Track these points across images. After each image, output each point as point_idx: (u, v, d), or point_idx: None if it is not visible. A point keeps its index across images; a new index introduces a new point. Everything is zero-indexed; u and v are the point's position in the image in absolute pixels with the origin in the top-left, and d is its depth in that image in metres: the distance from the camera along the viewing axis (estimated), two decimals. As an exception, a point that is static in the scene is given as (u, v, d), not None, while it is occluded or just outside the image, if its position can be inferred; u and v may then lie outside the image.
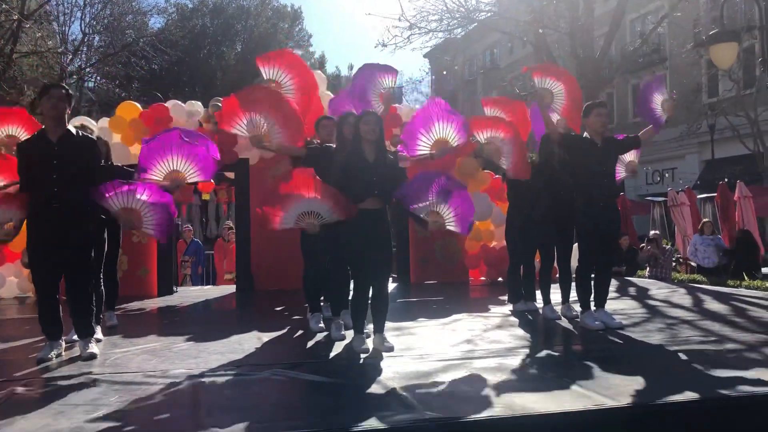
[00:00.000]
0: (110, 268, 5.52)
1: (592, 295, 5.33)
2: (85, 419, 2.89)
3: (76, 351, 4.43)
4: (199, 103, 9.34)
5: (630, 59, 17.71)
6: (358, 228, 4.39)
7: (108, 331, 5.38)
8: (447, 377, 3.73)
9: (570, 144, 5.39)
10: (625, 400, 3.02)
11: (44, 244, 4.23)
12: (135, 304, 7.60)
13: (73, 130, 4.42)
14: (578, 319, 5.49)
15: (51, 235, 4.22)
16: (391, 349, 4.35)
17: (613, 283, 5.45)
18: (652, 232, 12.57)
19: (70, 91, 4.48)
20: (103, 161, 4.82)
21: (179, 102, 9.35)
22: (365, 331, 4.52)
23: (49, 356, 4.24)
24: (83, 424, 2.82)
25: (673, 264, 12.35)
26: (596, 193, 5.18)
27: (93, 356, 4.28)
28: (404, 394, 3.24)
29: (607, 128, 5.39)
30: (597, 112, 5.24)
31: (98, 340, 4.78)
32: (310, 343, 4.86)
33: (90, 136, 4.65)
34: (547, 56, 14.29)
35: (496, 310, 6.44)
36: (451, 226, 4.50)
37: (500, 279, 9.26)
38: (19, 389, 3.50)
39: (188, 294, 9.13)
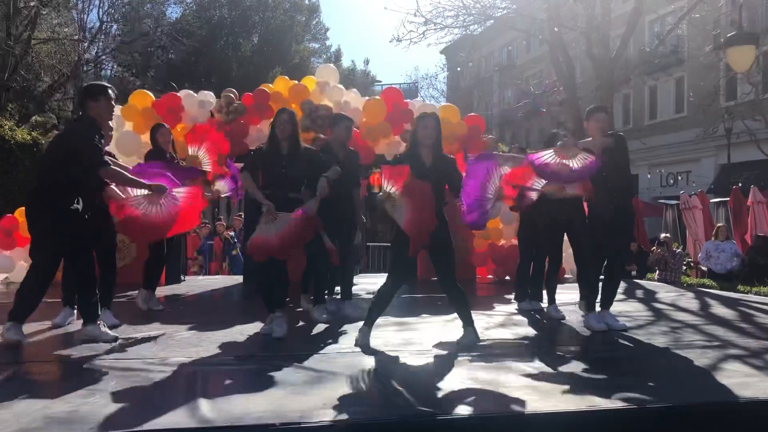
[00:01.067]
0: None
1: (598, 297, 5.30)
2: (81, 403, 2.91)
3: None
4: (211, 93, 9.37)
5: (647, 60, 17.56)
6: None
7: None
8: (444, 374, 3.73)
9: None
10: (620, 402, 3.00)
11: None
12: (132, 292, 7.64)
13: None
14: (564, 320, 5.61)
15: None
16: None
17: (621, 285, 5.41)
18: (662, 235, 12.47)
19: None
20: None
21: (191, 92, 9.38)
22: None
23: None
24: (78, 407, 2.84)
25: (683, 268, 12.25)
26: (607, 196, 5.12)
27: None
28: (400, 389, 3.24)
29: (607, 133, 5.28)
30: (596, 117, 5.20)
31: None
32: (311, 335, 4.87)
33: None
34: (563, 56, 14.20)
35: (500, 308, 6.42)
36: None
37: (507, 278, 9.24)
38: (20, 372, 3.53)
39: (196, 283, 9.18)
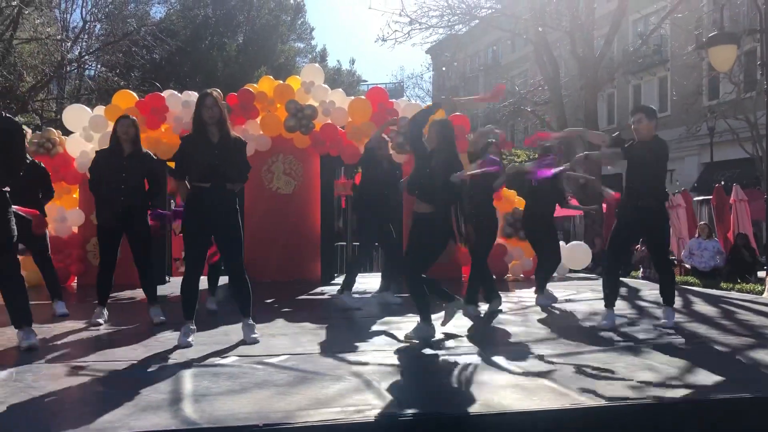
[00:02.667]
0: (44, 257, 5.92)
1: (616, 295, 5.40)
2: (68, 406, 2.90)
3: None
4: (196, 93, 9.30)
5: (631, 60, 17.68)
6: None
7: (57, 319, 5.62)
8: (429, 372, 3.74)
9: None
10: (602, 400, 3.03)
11: None
12: (126, 293, 7.61)
13: None
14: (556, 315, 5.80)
15: None
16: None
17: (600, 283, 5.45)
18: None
19: None
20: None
21: (175, 92, 9.33)
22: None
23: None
24: (61, 411, 2.82)
25: (667, 265, 12.32)
26: (627, 197, 5.18)
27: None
28: (384, 387, 3.25)
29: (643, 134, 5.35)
30: (633, 119, 5.25)
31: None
32: (295, 336, 4.87)
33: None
34: (547, 55, 14.28)
35: (486, 307, 6.43)
36: None
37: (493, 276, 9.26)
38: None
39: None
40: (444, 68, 34.45)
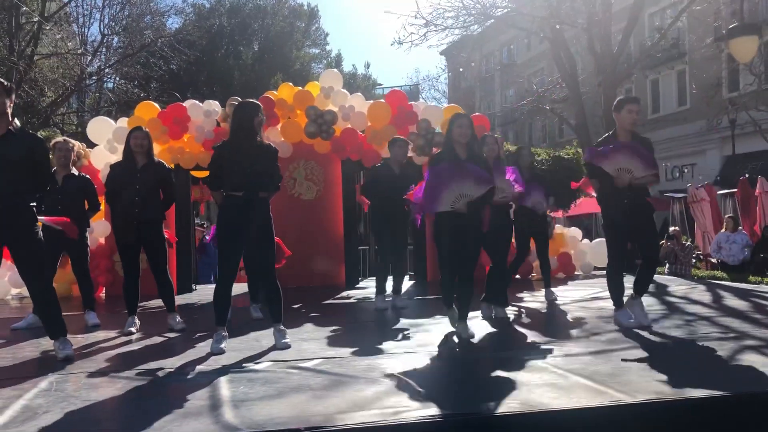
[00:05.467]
0: (82, 268, 6.04)
1: (625, 291, 5.29)
2: (105, 415, 2.93)
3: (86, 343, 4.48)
4: (217, 102, 9.41)
5: (648, 54, 17.51)
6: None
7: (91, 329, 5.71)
8: (462, 373, 3.75)
9: (597, 146, 5.35)
10: (641, 396, 3.01)
11: None
12: (154, 302, 7.68)
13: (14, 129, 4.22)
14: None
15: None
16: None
17: (631, 280, 5.40)
18: (671, 229, 12.46)
19: (6, 83, 4.20)
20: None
21: (197, 102, 9.42)
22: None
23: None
24: (103, 419, 2.86)
25: (693, 261, 12.23)
26: (621, 190, 5.09)
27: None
28: (419, 390, 3.25)
29: (638, 125, 5.31)
30: (628, 108, 5.13)
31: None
32: (326, 340, 4.89)
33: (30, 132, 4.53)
34: (564, 52, 14.21)
35: (513, 306, 6.42)
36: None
37: (518, 276, 9.24)
38: (36, 388, 3.55)
39: (207, 291, 9.20)
40: (461, 69, 34.41)
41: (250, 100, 4.86)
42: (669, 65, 23.62)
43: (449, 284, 5.02)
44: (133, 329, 5.45)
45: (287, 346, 4.50)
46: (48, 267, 4.63)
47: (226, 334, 4.62)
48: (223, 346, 4.45)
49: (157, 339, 5.18)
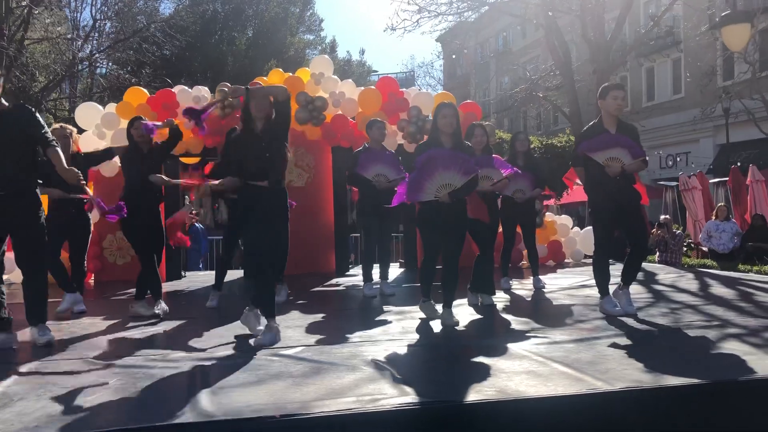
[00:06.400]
0: (82, 256, 6.06)
1: (611, 278, 5.29)
2: (83, 400, 2.92)
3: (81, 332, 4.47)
4: (206, 88, 9.34)
5: (642, 42, 17.44)
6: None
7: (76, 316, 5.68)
8: (442, 361, 3.75)
9: (582, 137, 5.34)
10: (619, 384, 3.01)
11: None
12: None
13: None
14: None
15: None
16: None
17: (618, 268, 5.40)
18: (662, 217, 12.48)
19: None
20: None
21: (186, 87, 9.35)
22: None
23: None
24: (81, 404, 2.85)
25: (684, 249, 12.26)
26: (607, 177, 5.07)
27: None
28: (399, 377, 3.25)
29: (623, 112, 5.31)
30: (613, 94, 5.13)
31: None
32: (310, 327, 4.88)
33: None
34: (558, 40, 14.15)
35: (500, 294, 6.42)
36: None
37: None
38: (15, 374, 3.54)
39: (196, 278, 9.19)
40: (454, 56, 34.26)
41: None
42: (664, 53, 23.55)
43: (428, 273, 5.09)
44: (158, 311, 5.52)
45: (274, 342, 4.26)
46: (47, 252, 4.59)
47: (278, 325, 4.38)
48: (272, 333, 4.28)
49: (143, 327, 5.15)
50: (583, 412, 2.88)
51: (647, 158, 5.22)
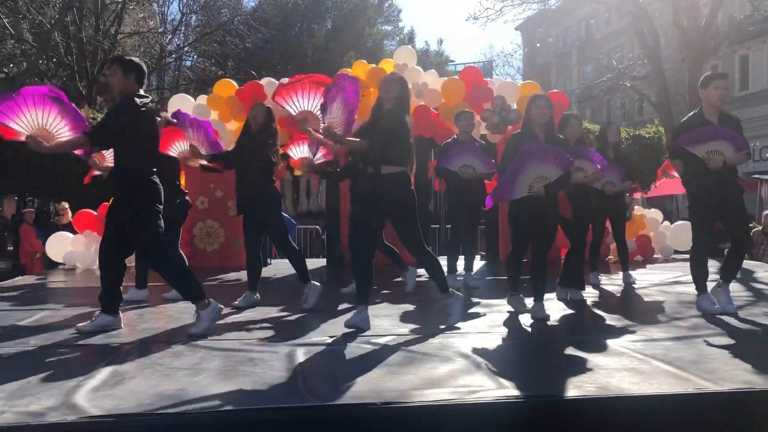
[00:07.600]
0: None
1: (710, 276, 5.09)
2: (188, 381, 3.04)
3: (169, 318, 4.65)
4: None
5: (739, 28, 16.59)
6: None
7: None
8: (536, 355, 3.69)
9: (681, 128, 5.13)
10: (728, 385, 2.89)
11: None
12: (231, 275, 7.91)
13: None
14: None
15: None
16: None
17: (715, 265, 5.17)
18: (766, 212, 11.86)
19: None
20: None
21: (273, 79, 9.54)
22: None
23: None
24: (186, 386, 2.97)
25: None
26: (707, 171, 4.86)
27: None
28: (494, 370, 3.22)
29: (725, 102, 5.07)
30: (716, 84, 4.92)
31: None
32: (398, 317, 4.91)
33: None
34: (648, 27, 13.64)
35: (589, 289, 6.27)
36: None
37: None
38: (126, 354, 3.72)
39: (282, 266, 9.39)
40: (538, 45, 33.58)
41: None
42: (761, 39, 22.30)
43: (516, 267, 5.04)
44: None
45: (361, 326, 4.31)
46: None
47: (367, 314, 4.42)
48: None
49: (236, 314, 5.28)
50: (690, 412, 2.78)
51: (750, 151, 4.98)
